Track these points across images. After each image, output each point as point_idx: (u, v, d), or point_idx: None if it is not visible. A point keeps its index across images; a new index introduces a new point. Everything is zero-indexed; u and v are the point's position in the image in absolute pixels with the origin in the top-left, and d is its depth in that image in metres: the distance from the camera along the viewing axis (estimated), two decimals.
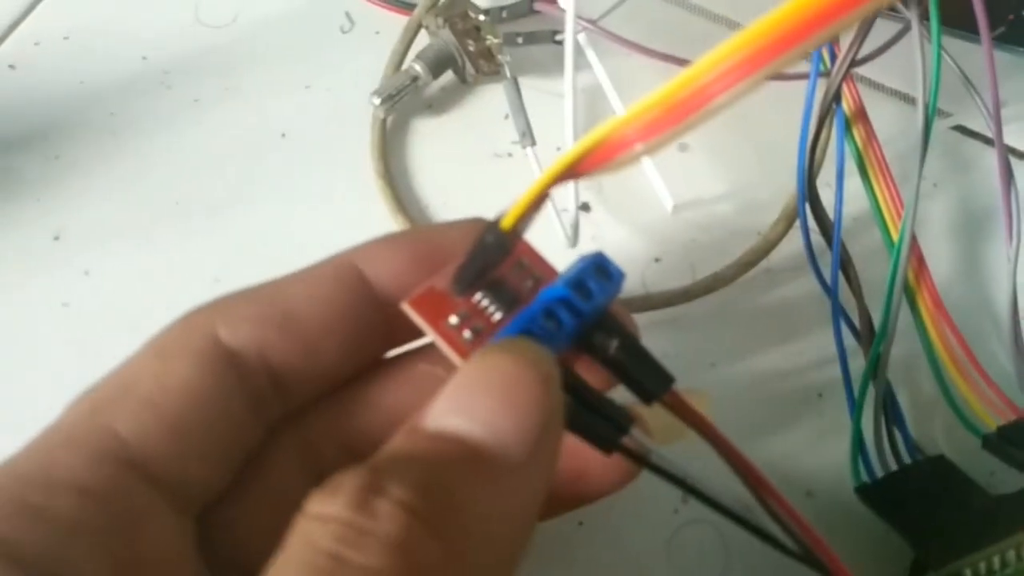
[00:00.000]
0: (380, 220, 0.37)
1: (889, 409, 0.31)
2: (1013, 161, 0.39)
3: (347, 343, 0.23)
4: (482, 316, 0.21)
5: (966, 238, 0.38)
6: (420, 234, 0.25)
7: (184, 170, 0.38)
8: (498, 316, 0.21)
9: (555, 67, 0.39)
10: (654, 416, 0.22)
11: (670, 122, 0.15)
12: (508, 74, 0.39)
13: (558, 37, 0.39)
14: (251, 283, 0.35)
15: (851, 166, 0.33)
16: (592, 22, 0.38)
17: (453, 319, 0.21)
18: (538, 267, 0.23)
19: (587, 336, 0.21)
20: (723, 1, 0.43)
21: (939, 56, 0.33)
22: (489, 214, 0.37)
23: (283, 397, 0.22)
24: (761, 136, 0.39)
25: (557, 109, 0.39)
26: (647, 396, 0.22)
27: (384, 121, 0.39)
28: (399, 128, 0.40)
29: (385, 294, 0.23)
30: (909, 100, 0.39)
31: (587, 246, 0.36)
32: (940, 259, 0.37)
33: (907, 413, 0.32)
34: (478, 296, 0.21)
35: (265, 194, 0.38)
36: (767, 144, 0.39)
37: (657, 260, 0.37)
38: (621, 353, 0.21)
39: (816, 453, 0.33)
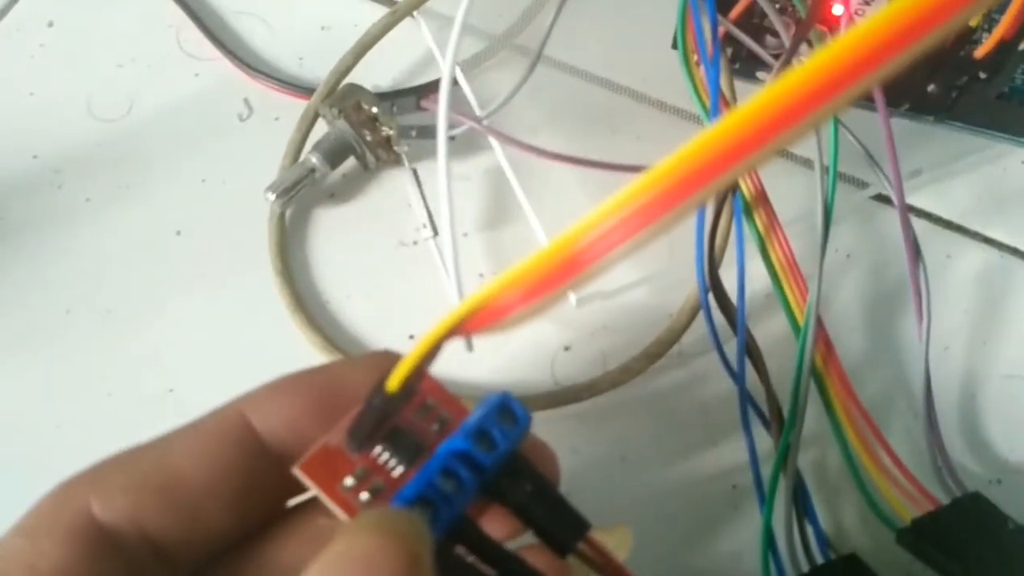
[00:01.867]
0: (278, 319, 0.36)
1: (800, 503, 0.30)
2: (928, 226, 0.40)
3: (236, 502, 0.21)
4: (382, 472, 0.20)
5: (879, 313, 0.38)
6: (316, 377, 0.23)
7: (76, 275, 0.37)
8: (400, 470, 0.20)
9: (457, 152, 0.39)
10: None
11: (552, 285, 0.14)
12: (407, 164, 0.38)
13: (452, 133, 0.38)
14: (144, 399, 0.34)
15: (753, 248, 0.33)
16: (478, 120, 0.37)
17: (349, 480, 0.20)
18: (445, 406, 0.22)
19: (495, 481, 0.20)
20: (628, 74, 0.42)
21: (836, 131, 0.34)
22: (393, 306, 0.37)
23: (168, 566, 0.21)
24: None
25: (461, 193, 0.38)
26: (561, 548, 0.21)
27: (282, 215, 0.38)
28: (300, 219, 0.39)
29: (278, 445, 0.22)
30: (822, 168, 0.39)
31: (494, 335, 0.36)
32: (852, 336, 0.37)
33: (820, 505, 0.31)
34: (377, 450, 0.20)
35: (160, 298, 0.37)
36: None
37: (567, 348, 0.36)
38: (531, 501, 0.20)
39: (730, 549, 0.32)
